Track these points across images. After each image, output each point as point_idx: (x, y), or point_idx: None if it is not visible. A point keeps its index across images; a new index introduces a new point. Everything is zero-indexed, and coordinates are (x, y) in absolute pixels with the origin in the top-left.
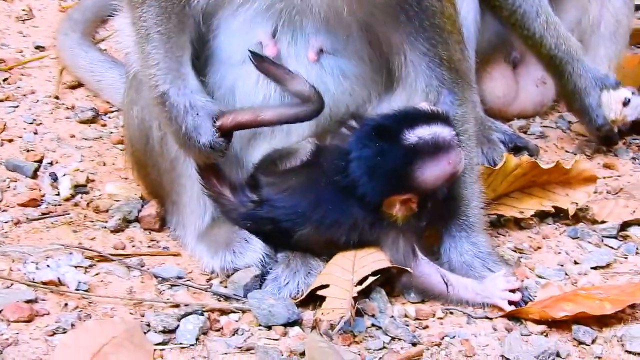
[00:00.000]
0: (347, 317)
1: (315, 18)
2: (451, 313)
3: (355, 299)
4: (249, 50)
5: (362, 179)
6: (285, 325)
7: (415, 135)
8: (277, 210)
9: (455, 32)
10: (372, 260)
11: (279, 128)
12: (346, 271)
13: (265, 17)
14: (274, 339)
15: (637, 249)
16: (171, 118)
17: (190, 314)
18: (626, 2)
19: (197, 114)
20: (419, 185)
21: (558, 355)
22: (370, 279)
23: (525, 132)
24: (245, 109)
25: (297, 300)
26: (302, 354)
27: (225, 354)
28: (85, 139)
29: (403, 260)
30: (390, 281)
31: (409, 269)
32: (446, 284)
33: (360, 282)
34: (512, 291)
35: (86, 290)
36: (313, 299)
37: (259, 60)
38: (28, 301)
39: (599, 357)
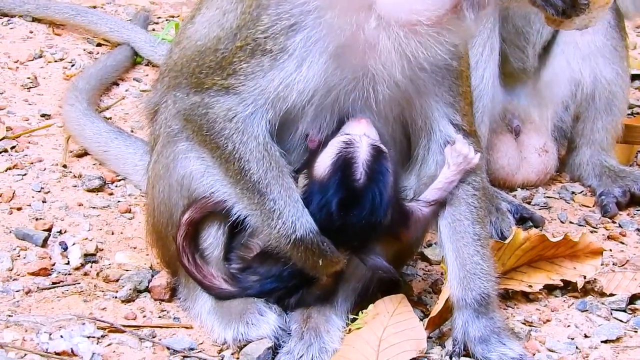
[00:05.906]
0: None
1: (365, 104)
2: None
3: None
4: None
5: None
6: None
7: None
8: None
9: (471, 99)
10: (397, 351)
11: None
12: None
13: (316, 115)
14: None
15: None
16: (307, 256)
17: None
18: (619, 74)
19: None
20: None
21: None
22: None
23: (529, 203)
24: None
25: None
26: None
27: None
28: (93, 207)
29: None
30: None
31: None
32: None
33: None
34: None
35: None
36: None
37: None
38: None
39: None
